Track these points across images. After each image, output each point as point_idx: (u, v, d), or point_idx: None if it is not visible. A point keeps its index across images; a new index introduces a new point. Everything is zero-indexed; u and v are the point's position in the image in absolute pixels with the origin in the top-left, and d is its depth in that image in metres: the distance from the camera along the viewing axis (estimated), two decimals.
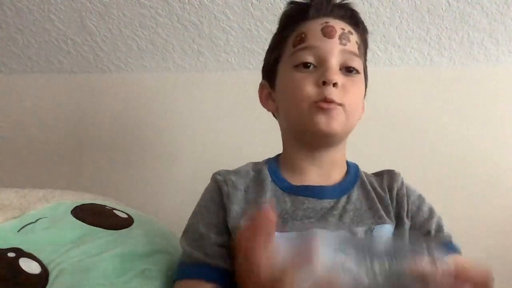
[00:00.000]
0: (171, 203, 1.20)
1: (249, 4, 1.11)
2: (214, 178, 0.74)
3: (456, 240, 0.71)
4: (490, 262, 1.14)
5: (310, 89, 0.67)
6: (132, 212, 0.85)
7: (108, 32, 1.20)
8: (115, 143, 1.28)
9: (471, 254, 1.12)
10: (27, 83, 1.34)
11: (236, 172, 0.74)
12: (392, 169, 0.78)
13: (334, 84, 0.67)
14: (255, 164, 0.77)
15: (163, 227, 0.87)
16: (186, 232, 0.71)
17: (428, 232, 0.70)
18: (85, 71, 1.33)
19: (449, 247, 0.68)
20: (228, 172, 0.74)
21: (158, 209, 1.18)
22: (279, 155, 0.80)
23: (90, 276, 0.60)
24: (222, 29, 1.19)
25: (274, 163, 0.77)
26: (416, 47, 1.23)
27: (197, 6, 1.12)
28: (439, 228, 0.70)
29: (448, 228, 0.72)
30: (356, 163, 0.81)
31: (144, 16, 1.15)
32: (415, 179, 1.19)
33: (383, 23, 1.16)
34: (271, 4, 1.11)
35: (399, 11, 1.12)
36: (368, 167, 1.21)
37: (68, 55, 1.28)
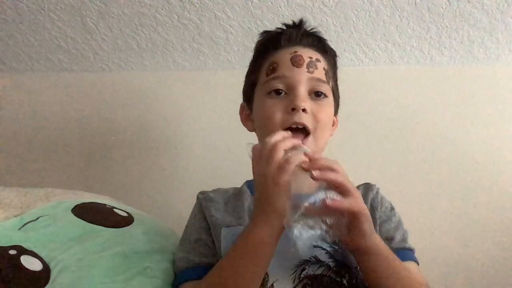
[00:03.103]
0: (172, 201, 1.20)
1: (249, 3, 1.11)
2: (197, 197, 0.83)
3: (417, 255, 0.76)
4: (491, 262, 1.14)
5: (280, 115, 0.73)
6: (132, 210, 0.85)
7: (108, 31, 1.20)
8: (115, 141, 1.28)
9: (471, 253, 1.13)
10: (27, 82, 1.33)
11: (216, 190, 0.84)
12: (369, 182, 0.83)
13: (304, 110, 0.72)
14: (236, 188, 0.85)
15: (163, 225, 0.88)
16: (180, 244, 0.77)
17: (392, 239, 0.75)
18: (85, 70, 1.33)
19: (407, 255, 0.73)
20: (209, 191, 0.83)
21: (159, 207, 1.18)
22: None
23: (91, 274, 0.61)
24: (222, 28, 1.19)
25: (252, 180, 0.80)
26: (416, 45, 1.23)
27: (197, 5, 1.12)
28: (403, 239, 0.76)
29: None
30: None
31: (144, 14, 1.15)
32: (415, 177, 1.21)
33: (383, 22, 1.16)
34: (271, 2, 1.11)
35: (399, 10, 1.12)
36: (368, 165, 1.22)
37: (68, 53, 1.28)
